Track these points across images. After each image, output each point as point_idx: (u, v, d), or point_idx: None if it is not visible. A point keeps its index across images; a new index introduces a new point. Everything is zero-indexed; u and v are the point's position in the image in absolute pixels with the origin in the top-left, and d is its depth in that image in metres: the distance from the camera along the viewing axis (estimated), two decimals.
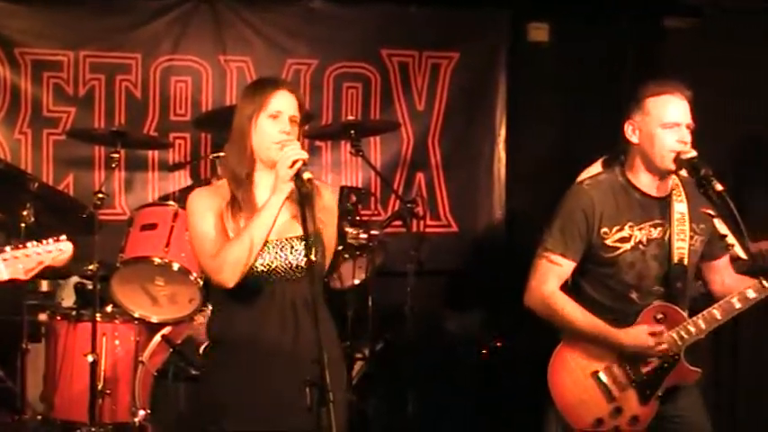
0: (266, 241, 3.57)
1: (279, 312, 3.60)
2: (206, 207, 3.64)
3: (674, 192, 4.02)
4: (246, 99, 3.69)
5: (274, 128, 3.60)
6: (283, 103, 3.63)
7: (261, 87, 3.69)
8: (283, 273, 3.60)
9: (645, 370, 4.00)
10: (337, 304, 3.90)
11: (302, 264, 3.59)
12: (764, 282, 3.87)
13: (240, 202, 3.63)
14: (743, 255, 3.97)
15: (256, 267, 3.57)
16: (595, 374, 3.99)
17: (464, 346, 7.18)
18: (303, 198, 3.47)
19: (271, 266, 3.59)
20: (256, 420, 3.57)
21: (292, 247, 3.62)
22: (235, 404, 3.59)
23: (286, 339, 3.59)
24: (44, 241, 3.59)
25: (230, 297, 3.65)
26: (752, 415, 6.34)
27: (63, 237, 3.63)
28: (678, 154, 3.87)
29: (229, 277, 3.52)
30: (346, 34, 7.08)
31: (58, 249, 3.60)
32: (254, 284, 3.59)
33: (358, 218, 5.98)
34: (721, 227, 4.08)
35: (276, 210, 3.50)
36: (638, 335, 3.93)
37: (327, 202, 3.80)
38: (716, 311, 3.96)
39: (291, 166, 3.47)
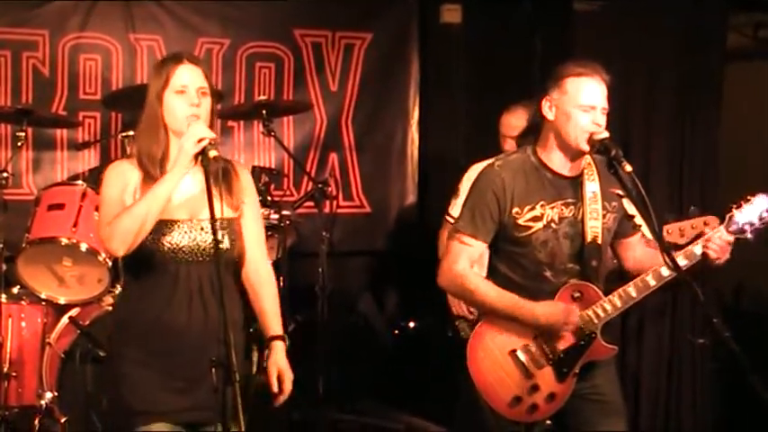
0: (176, 221, 3.57)
1: (185, 294, 3.58)
2: (120, 175, 3.63)
3: (585, 171, 4.05)
4: (153, 77, 3.68)
5: (182, 103, 3.58)
6: (186, 77, 3.61)
7: (164, 64, 3.68)
8: (190, 254, 3.58)
9: (561, 348, 4.01)
10: None
11: (210, 246, 3.56)
12: (668, 260, 3.91)
13: (154, 180, 3.57)
14: (649, 235, 4.02)
15: (163, 246, 3.55)
16: (513, 352, 4.00)
17: (376, 326, 7.21)
18: (209, 177, 3.45)
19: (178, 246, 3.56)
20: (164, 401, 3.54)
21: (202, 229, 3.59)
22: (142, 385, 3.55)
23: (195, 321, 3.56)
24: None
25: (137, 277, 3.64)
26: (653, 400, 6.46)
27: None
28: (591, 135, 3.90)
29: (118, 246, 3.49)
30: (259, 14, 7.01)
31: None
32: (160, 264, 3.56)
33: (270, 198, 5.95)
34: (629, 207, 4.13)
35: (172, 184, 3.49)
36: (553, 309, 3.95)
37: (246, 182, 3.79)
38: (631, 289, 4.00)
39: (198, 142, 3.47)
